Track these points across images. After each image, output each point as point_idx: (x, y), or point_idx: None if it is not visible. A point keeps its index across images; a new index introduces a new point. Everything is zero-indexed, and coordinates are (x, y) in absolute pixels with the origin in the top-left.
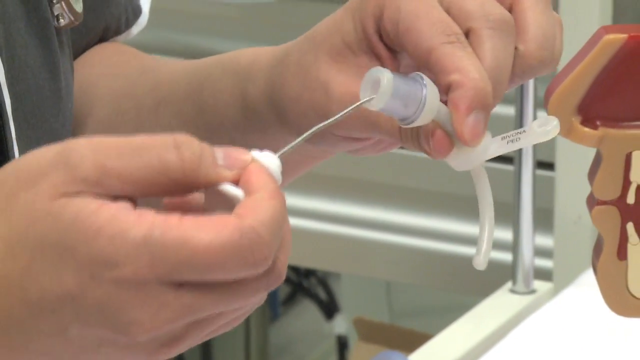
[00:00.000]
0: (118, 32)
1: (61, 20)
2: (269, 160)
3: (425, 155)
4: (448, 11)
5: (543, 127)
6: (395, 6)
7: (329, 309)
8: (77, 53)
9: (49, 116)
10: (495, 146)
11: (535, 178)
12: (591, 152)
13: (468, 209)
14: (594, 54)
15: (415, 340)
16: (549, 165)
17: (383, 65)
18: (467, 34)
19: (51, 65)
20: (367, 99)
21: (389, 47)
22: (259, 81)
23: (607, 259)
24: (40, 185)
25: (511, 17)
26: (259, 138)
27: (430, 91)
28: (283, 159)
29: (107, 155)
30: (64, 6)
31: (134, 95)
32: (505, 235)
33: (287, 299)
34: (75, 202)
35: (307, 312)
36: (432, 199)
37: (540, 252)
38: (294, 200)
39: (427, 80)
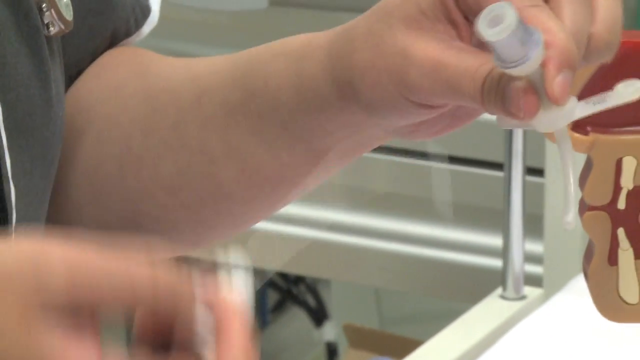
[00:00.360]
0: (128, 33)
1: (51, 29)
2: (239, 280)
3: (415, 162)
4: None
5: (628, 88)
6: None
7: (318, 316)
8: (85, 59)
9: (39, 124)
10: (582, 107)
11: (525, 184)
12: (581, 158)
13: (458, 216)
14: None
15: (406, 346)
16: (538, 172)
17: (460, 33)
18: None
19: (42, 73)
20: (496, 33)
21: (465, 13)
22: (318, 57)
23: (598, 264)
24: (7, 296)
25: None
26: (315, 118)
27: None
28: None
29: (79, 272)
30: (54, 14)
31: (170, 90)
32: (495, 241)
33: (276, 306)
34: (45, 339)
35: (296, 319)
36: (421, 205)
37: (531, 258)
38: (283, 208)
39: (540, 34)
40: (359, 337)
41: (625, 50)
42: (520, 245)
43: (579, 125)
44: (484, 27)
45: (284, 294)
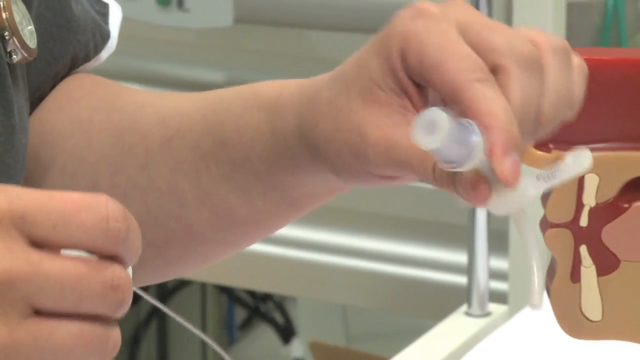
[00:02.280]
0: (87, 58)
1: (14, 57)
2: None
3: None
4: (474, 45)
5: (578, 158)
6: (418, 40)
7: (286, 333)
8: (47, 83)
9: (2, 152)
10: (533, 186)
11: None
12: None
13: (424, 232)
14: None
15: None
16: None
17: (413, 102)
18: (493, 70)
19: (4, 101)
20: (431, 142)
21: (416, 80)
22: (288, 117)
23: (560, 281)
24: None
25: (539, 55)
26: (289, 173)
27: (480, 139)
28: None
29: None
30: (17, 42)
31: (138, 130)
32: (460, 257)
33: (244, 323)
34: None
35: (264, 336)
36: (388, 222)
37: (495, 274)
38: None
39: (476, 127)
40: (325, 355)
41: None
42: (485, 261)
43: (541, 143)
44: (420, 136)
45: (251, 311)
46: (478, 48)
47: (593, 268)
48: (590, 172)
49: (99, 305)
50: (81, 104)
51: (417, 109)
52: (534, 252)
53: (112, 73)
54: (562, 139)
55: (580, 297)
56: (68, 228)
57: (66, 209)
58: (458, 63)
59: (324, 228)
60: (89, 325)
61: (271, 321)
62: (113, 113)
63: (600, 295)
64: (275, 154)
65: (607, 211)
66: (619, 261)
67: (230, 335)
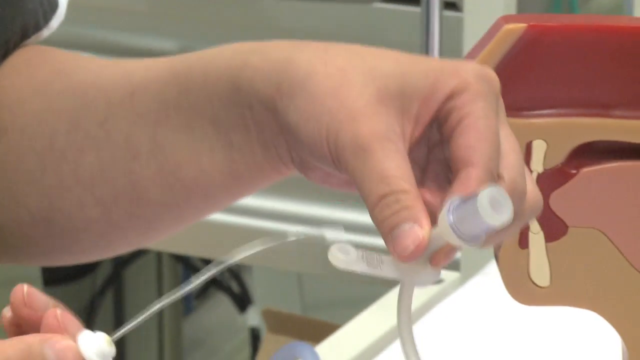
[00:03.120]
0: (38, 27)
1: None
2: (95, 343)
3: None
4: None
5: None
6: (472, 100)
7: (242, 301)
8: None
9: None
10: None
11: None
12: None
13: None
14: (493, 44)
15: (325, 331)
16: None
17: (412, 130)
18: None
19: None
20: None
21: (435, 119)
22: (273, 55)
23: (508, 247)
24: None
25: (537, 196)
26: (240, 113)
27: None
28: None
29: None
30: None
31: (100, 85)
32: None
33: (200, 293)
34: None
35: (220, 305)
36: (344, 202)
37: None
38: None
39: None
40: (278, 322)
41: (532, 34)
42: None
43: None
44: (489, 210)
45: (207, 280)
46: (502, 153)
47: (541, 234)
48: (537, 138)
49: None
50: (42, 68)
51: (410, 142)
52: (407, 331)
53: (65, 42)
54: (509, 105)
55: (528, 263)
56: None
57: None
58: (490, 146)
59: (280, 196)
60: None
61: (227, 290)
62: (75, 73)
63: (549, 261)
64: (235, 92)
65: (555, 177)
66: (567, 227)
67: (186, 304)
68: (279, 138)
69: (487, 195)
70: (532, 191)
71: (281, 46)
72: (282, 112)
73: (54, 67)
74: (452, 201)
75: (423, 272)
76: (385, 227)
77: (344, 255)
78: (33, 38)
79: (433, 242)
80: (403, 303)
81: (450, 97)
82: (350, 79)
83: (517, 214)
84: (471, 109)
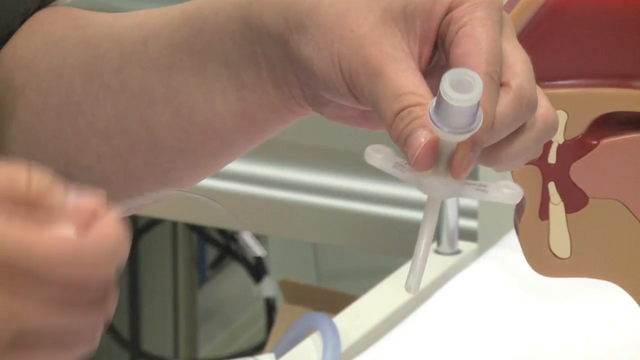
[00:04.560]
0: None
1: None
2: None
3: None
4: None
5: (509, 190)
6: (471, 10)
7: (257, 271)
8: (17, 18)
9: None
10: (467, 190)
11: None
12: None
13: None
14: (514, 13)
15: (342, 302)
16: None
17: (421, 50)
18: (502, 83)
19: None
20: (467, 100)
21: (440, 37)
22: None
23: (529, 218)
24: None
25: (550, 111)
26: (252, 49)
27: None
28: None
29: None
30: None
31: (114, 35)
32: None
33: (215, 262)
34: None
35: (235, 275)
36: (359, 160)
37: (465, 212)
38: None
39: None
40: (294, 293)
41: (552, 4)
42: (454, 199)
43: None
44: (449, 89)
45: (222, 250)
46: (507, 64)
47: (561, 205)
48: (558, 109)
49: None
50: (55, 25)
51: (420, 60)
52: (425, 243)
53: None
54: None
55: (548, 235)
56: (50, 281)
57: (49, 263)
58: (489, 51)
59: (295, 166)
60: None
61: (242, 260)
62: (89, 27)
63: (569, 232)
64: (246, 27)
65: (575, 148)
66: (587, 198)
67: (201, 274)
68: (290, 75)
69: (447, 76)
70: (545, 106)
71: None
72: (295, 48)
73: (68, 23)
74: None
75: (442, 182)
76: (401, 140)
77: (378, 153)
78: (53, 3)
79: (444, 149)
80: (427, 215)
81: (449, 10)
82: (354, 4)
83: (529, 125)
84: (468, 18)
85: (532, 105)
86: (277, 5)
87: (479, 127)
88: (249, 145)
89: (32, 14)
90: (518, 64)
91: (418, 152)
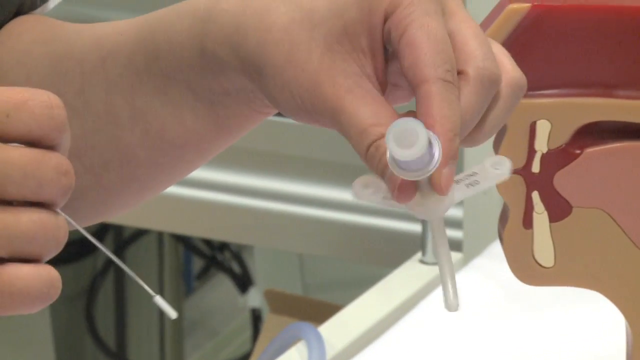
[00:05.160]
0: (34, 5)
1: None
2: None
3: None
4: (454, 41)
5: (497, 167)
6: (407, 12)
7: (243, 282)
8: None
9: None
10: (459, 193)
11: None
12: None
13: None
14: (497, 23)
15: (327, 311)
16: None
17: (373, 64)
18: (458, 71)
19: None
20: (410, 154)
21: (385, 43)
22: (223, 23)
23: (513, 227)
24: None
25: (517, 72)
26: (215, 80)
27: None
28: None
29: None
30: None
31: (74, 54)
32: None
33: (201, 273)
34: None
35: (221, 286)
36: (344, 171)
37: (450, 222)
38: (207, 174)
39: (436, 138)
40: (280, 303)
41: (536, 14)
42: None
43: None
44: (394, 146)
45: (208, 261)
46: (458, 47)
47: (545, 214)
48: (542, 118)
49: (54, 191)
50: (22, 37)
51: (378, 72)
52: (446, 260)
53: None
54: None
55: (532, 243)
56: (20, 116)
57: (16, 99)
58: (434, 54)
59: (281, 177)
60: (46, 212)
61: (228, 271)
62: (52, 43)
63: (553, 241)
64: (204, 60)
65: (559, 157)
66: (571, 207)
67: (187, 285)
68: (259, 94)
69: (391, 133)
70: (508, 69)
71: (230, 11)
72: (258, 85)
73: (33, 36)
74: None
75: (433, 202)
76: (378, 175)
77: (366, 189)
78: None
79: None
80: (437, 236)
81: (387, 17)
82: (296, 39)
83: (500, 95)
84: (406, 22)
85: (495, 81)
86: (229, 43)
87: (438, 163)
88: (226, 146)
89: (6, 22)
90: (469, 42)
91: (396, 191)
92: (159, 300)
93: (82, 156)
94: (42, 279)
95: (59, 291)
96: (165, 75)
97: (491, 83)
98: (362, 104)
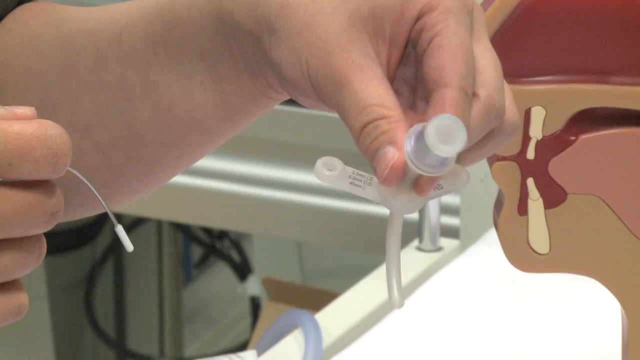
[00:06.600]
0: None
1: None
2: None
3: (336, 116)
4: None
5: (459, 178)
6: (443, 18)
7: (242, 270)
8: None
9: None
10: (432, 194)
11: None
12: None
13: None
14: (491, 10)
15: (325, 299)
16: None
17: (390, 54)
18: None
19: None
20: (450, 151)
21: (410, 40)
22: None
23: (507, 214)
24: None
25: (515, 114)
26: (225, 43)
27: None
28: None
29: None
30: None
31: (88, 31)
32: None
33: (200, 261)
34: None
35: (220, 274)
36: (343, 159)
37: (447, 210)
38: (207, 162)
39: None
40: (278, 291)
41: (530, 1)
42: None
43: None
44: (435, 141)
45: (208, 249)
46: (479, 71)
47: (540, 201)
48: (536, 105)
49: (42, 228)
50: (30, 22)
51: (391, 66)
52: (394, 257)
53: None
54: (508, 72)
55: (527, 230)
56: (22, 165)
57: (22, 148)
58: (462, 64)
59: (279, 164)
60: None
61: (227, 259)
62: (63, 24)
63: (548, 228)
64: (219, 23)
65: (554, 144)
66: (566, 194)
67: (186, 273)
68: (265, 67)
69: (434, 126)
70: (510, 109)
71: None
72: (266, 47)
73: (43, 20)
74: (412, 130)
75: (406, 198)
76: (368, 155)
77: (329, 171)
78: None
79: (411, 169)
80: (392, 230)
81: (420, 16)
82: (321, 7)
83: (497, 130)
84: (441, 27)
85: (500, 114)
86: (247, 4)
87: (451, 166)
88: (232, 132)
89: (10, 11)
90: (488, 70)
91: (386, 173)
92: (120, 230)
93: (92, 133)
94: (12, 307)
95: (24, 313)
96: (181, 44)
97: (497, 115)
98: (370, 85)
